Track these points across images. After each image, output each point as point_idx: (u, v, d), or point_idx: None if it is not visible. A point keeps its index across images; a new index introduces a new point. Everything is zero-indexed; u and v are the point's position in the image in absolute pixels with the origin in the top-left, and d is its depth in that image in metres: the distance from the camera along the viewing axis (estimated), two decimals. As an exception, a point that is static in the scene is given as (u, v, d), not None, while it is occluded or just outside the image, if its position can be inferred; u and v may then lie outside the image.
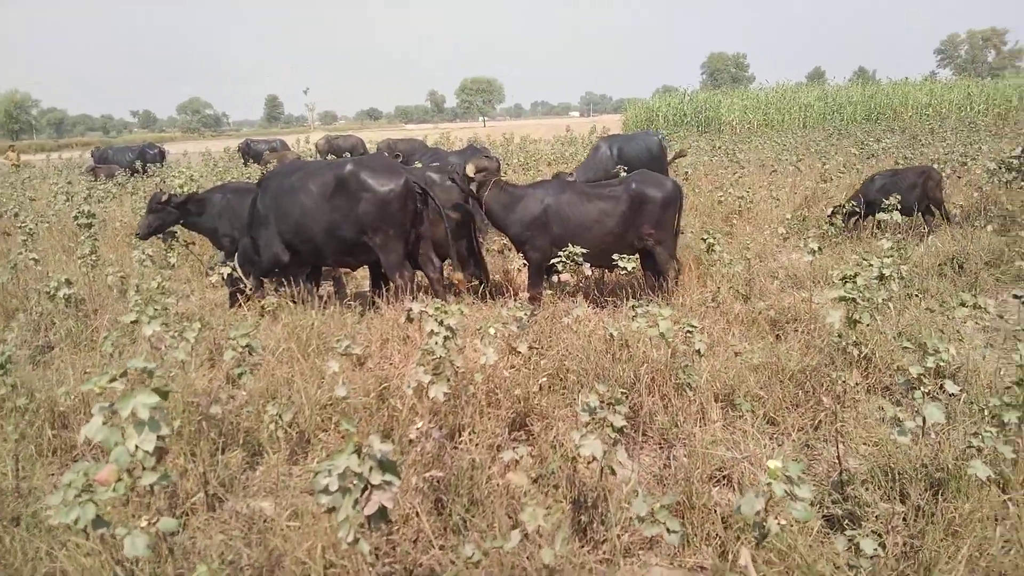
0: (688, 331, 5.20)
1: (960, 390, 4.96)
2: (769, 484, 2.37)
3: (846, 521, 4.00)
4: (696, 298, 7.75)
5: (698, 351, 4.72)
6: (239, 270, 7.69)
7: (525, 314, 5.02)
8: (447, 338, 4.20)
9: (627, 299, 6.77)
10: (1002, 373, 5.38)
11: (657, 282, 8.10)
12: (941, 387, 4.40)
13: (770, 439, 4.97)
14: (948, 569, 3.39)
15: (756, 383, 5.51)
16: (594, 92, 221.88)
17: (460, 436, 4.66)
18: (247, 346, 4.62)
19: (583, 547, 3.68)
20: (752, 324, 7.05)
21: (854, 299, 4.42)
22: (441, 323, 4.18)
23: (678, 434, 4.92)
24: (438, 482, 3.82)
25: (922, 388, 3.70)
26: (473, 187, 8.32)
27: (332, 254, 7.77)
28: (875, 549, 2.58)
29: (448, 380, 4.04)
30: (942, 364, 4.03)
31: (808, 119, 42.28)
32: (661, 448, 4.97)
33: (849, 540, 2.67)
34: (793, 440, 4.85)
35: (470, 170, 8.61)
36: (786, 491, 2.34)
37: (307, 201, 7.51)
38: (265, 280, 8.13)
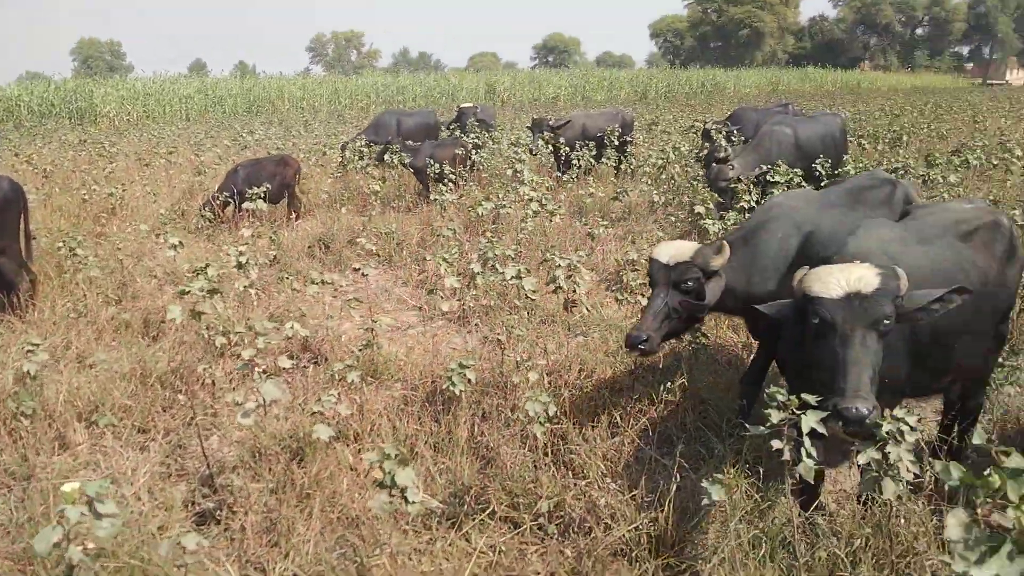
0: (29, 350, 4.55)
1: (297, 362, 5.41)
2: (62, 511, 2.15)
3: (218, 512, 4.01)
4: (59, 310, 6.91)
5: (28, 372, 4.15)
6: None
7: None
8: None
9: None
10: (344, 340, 6.05)
11: (7, 298, 6.96)
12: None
13: (140, 449, 4.69)
14: (304, 531, 3.64)
15: (124, 393, 5.15)
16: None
17: None
18: None
19: None
20: (125, 329, 6.59)
21: (197, 291, 4.39)
22: None
23: (27, 470, 4.29)
24: None
25: (258, 368, 3.88)
26: None
27: None
28: (198, 543, 2.58)
29: None
30: (289, 338, 4.29)
31: (190, 111, 41.64)
32: (11, 490, 4.28)
33: (172, 540, 2.62)
34: (162, 444, 4.66)
35: None
36: (84, 512, 2.15)
37: None
38: None
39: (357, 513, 3.86)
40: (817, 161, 9.56)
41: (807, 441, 2.71)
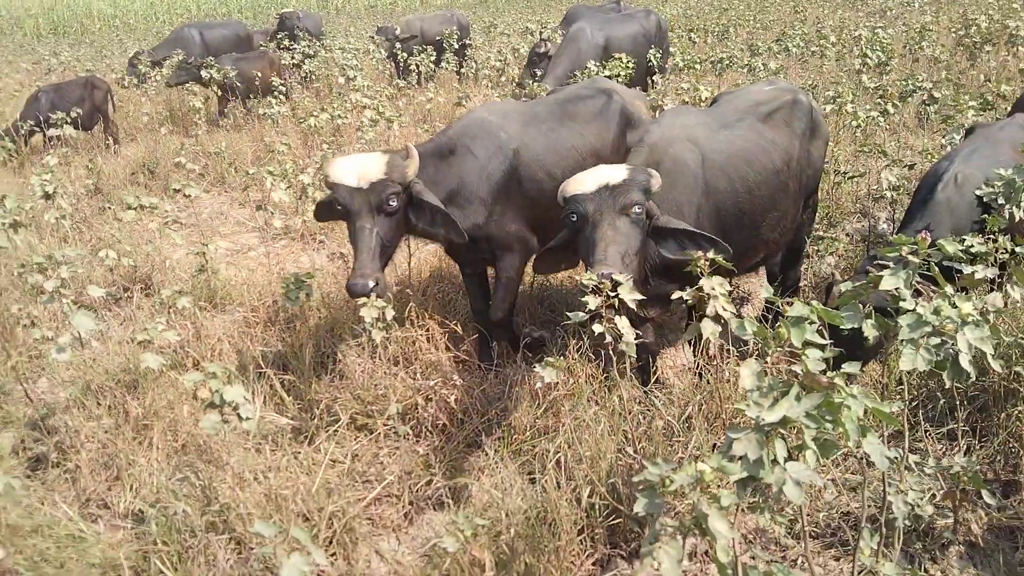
0: None
1: (124, 292, 5.12)
2: None
3: (52, 455, 3.81)
4: None
5: None
6: None
7: None
8: None
9: None
10: (177, 267, 5.77)
11: None
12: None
13: (-46, 402, 4.34)
14: (146, 462, 3.53)
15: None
16: None
17: None
18: None
19: None
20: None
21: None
22: None
23: None
24: None
25: (66, 300, 3.64)
26: None
27: None
28: (5, 484, 2.43)
29: None
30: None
31: (-14, 34, 37.12)
32: None
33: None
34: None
35: None
36: None
37: None
38: None
39: (204, 440, 3.76)
40: (650, 52, 9.71)
41: (624, 320, 2.84)
